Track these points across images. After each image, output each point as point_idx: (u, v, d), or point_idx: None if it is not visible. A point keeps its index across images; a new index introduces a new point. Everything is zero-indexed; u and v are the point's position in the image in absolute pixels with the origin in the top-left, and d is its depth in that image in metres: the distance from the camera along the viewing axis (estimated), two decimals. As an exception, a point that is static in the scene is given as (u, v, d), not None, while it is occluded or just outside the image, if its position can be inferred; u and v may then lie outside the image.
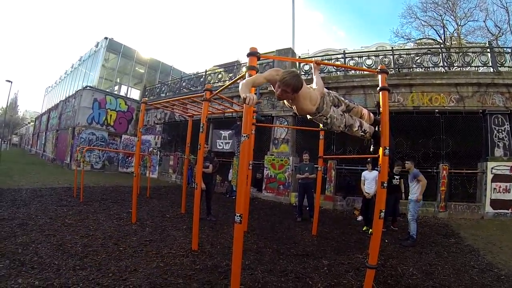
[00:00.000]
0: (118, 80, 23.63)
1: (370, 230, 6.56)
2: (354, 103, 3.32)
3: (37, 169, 15.82)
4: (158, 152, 17.67)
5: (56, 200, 7.73)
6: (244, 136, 2.77)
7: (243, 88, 2.49)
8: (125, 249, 4.43)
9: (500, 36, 20.11)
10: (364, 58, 11.59)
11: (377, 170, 7.16)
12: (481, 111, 9.54)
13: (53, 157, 21.83)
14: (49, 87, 36.42)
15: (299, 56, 13.42)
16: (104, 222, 5.96)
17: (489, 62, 10.18)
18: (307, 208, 7.96)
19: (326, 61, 12.31)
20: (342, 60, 11.66)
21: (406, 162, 6.29)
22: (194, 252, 4.55)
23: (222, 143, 13.81)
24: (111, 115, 18.83)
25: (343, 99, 3.18)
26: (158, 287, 3.30)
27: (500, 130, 9.30)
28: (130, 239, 4.95)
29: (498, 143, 9.25)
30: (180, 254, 4.40)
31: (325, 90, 3.03)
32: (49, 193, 8.51)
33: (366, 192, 7.09)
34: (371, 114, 3.41)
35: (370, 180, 7.10)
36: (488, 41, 14.94)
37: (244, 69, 3.00)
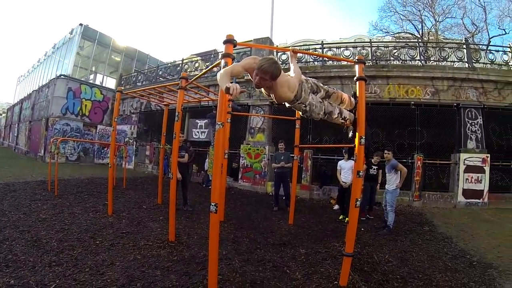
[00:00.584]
0: (93, 69, 22.85)
1: (347, 219, 6.69)
2: (334, 89, 3.31)
3: (9, 162, 15.21)
4: (134, 142, 17.30)
5: (30, 194, 7.47)
6: (219, 124, 2.73)
7: (222, 78, 2.44)
8: (101, 243, 4.35)
9: (476, 34, 20.83)
10: (342, 49, 11.64)
11: (353, 159, 7.26)
12: (455, 104, 9.86)
13: (26, 150, 21.03)
14: (22, 76, 34.83)
15: (277, 46, 13.36)
16: (79, 215, 5.80)
17: (464, 58, 10.49)
18: (283, 198, 7.98)
19: (304, 50, 12.32)
20: (320, 50, 11.68)
21: (386, 152, 6.35)
22: (171, 243, 4.51)
23: (198, 132, 13.69)
24: (86, 105, 18.29)
25: (321, 85, 3.16)
26: (135, 280, 3.25)
27: (473, 124, 9.67)
28: (107, 232, 4.86)
29: (471, 135, 9.62)
30: (157, 246, 4.35)
31: (303, 77, 3.00)
32: (22, 188, 8.21)
33: (342, 182, 7.11)
34: (352, 99, 3.39)
35: (346, 170, 7.09)
36: (465, 38, 15.38)
37: (220, 56, 2.95)
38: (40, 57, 27.86)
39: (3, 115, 41.46)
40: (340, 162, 7.35)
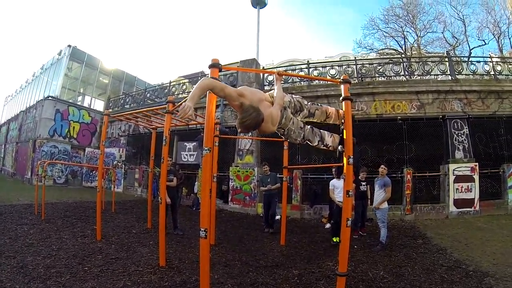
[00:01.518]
0: (81, 91, 22.75)
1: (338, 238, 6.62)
2: (318, 105, 3.32)
3: (-5, 185, 14.85)
4: (123, 165, 17.06)
5: (16, 218, 7.32)
6: (206, 150, 2.73)
7: (193, 92, 2.45)
8: (90, 269, 4.24)
9: (457, 46, 21.52)
10: (328, 68, 11.88)
11: (343, 178, 7.22)
12: (441, 116, 10.08)
13: (13, 172, 20.58)
14: (9, 96, 34.35)
15: (263, 67, 13.55)
16: (67, 240, 5.67)
17: (447, 70, 10.83)
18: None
19: (290, 71, 12.55)
20: (306, 70, 11.87)
21: (382, 166, 6.39)
22: (162, 268, 4.42)
23: (187, 155, 13.61)
24: (74, 127, 18.12)
25: (305, 103, 3.20)
26: (125, 307, 3.16)
27: (459, 134, 9.86)
28: (95, 258, 4.75)
29: (458, 146, 9.79)
30: (148, 271, 4.26)
31: (287, 98, 3.03)
32: (8, 211, 8.03)
33: (338, 202, 6.66)
34: (340, 111, 3.38)
35: (340, 189, 6.73)
36: (446, 51, 15.92)
37: (205, 81, 2.96)
38: (28, 77, 27.64)
39: (-10, 136, 40.67)
40: (332, 182, 7.08)
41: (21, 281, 3.66)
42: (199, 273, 2.93)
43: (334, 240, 6.67)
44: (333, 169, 7.29)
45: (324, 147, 3.28)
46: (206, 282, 2.77)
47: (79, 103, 21.25)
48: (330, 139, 3.28)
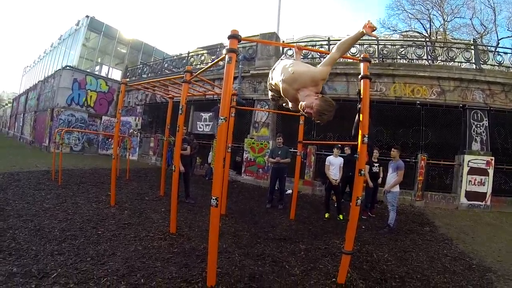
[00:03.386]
0: (99, 60, 22.91)
1: (341, 216, 6.65)
2: None
3: (14, 152, 15.34)
4: (139, 134, 17.38)
5: (34, 184, 7.51)
6: (222, 119, 2.74)
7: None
8: (103, 233, 4.39)
9: (485, 35, 20.56)
10: (349, 46, 11.51)
11: (342, 156, 7.14)
12: (461, 105, 9.78)
13: (31, 140, 21.18)
14: (28, 66, 34.99)
15: (283, 41, 13.29)
16: (82, 205, 5.85)
17: (472, 58, 10.36)
18: (280, 194, 7.70)
19: (310, 47, 12.30)
20: (327, 46, 11.61)
21: (393, 149, 6.29)
22: (172, 235, 4.55)
23: (202, 125, 13.69)
24: (91, 96, 18.35)
25: None
26: (136, 270, 3.28)
27: (478, 125, 9.59)
28: (109, 223, 4.90)
29: (476, 137, 9.56)
30: (158, 237, 4.39)
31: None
32: (26, 177, 8.24)
33: (332, 179, 6.82)
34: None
35: (335, 166, 6.86)
36: (473, 39, 15.20)
37: (224, 51, 2.94)
38: (46, 48, 27.99)
39: (9, 105, 41.73)
40: (329, 158, 7.02)
41: (37, 242, 3.81)
42: (208, 242, 3.01)
43: (326, 216, 6.77)
44: (334, 148, 7.17)
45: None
46: (214, 249, 2.85)
47: (96, 73, 21.44)
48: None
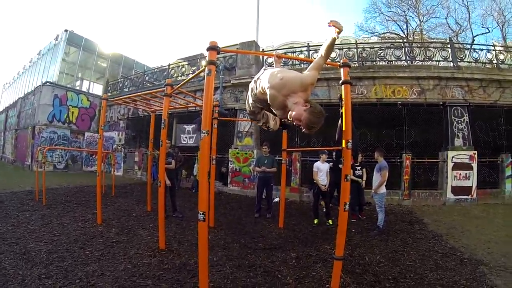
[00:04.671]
0: (79, 75, 22.53)
1: (330, 221, 6.67)
2: None
3: (-5, 172, 14.90)
4: (123, 149, 17.14)
5: (18, 205, 7.34)
6: (204, 132, 2.71)
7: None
8: (91, 253, 4.30)
9: (460, 33, 21.26)
10: (328, 50, 11.65)
11: (328, 162, 7.21)
12: (441, 103, 10.02)
13: (13, 159, 20.62)
14: (7, 83, 34.12)
15: (263, 49, 13.36)
16: (68, 225, 5.72)
17: (449, 57, 10.67)
18: (268, 203, 7.62)
19: (290, 54, 12.38)
20: (306, 52, 11.74)
21: (375, 152, 6.43)
22: (162, 251, 4.48)
23: (186, 137, 13.57)
24: (73, 112, 18.06)
25: None
26: (126, 290, 3.21)
27: (459, 121, 9.83)
28: (96, 242, 4.80)
29: (458, 133, 9.79)
30: (148, 254, 4.31)
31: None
32: (9, 198, 8.05)
33: (322, 185, 6.80)
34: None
35: (323, 172, 6.90)
36: (449, 37, 15.64)
37: (203, 63, 2.92)
38: (25, 64, 27.39)
39: (-11, 123, 40.57)
40: (316, 164, 7.01)
41: (24, 267, 3.70)
42: (198, 256, 2.97)
43: (316, 222, 6.77)
44: (320, 153, 7.19)
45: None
46: (205, 264, 2.81)
47: (77, 88, 21.04)
48: (272, 122, 3.01)
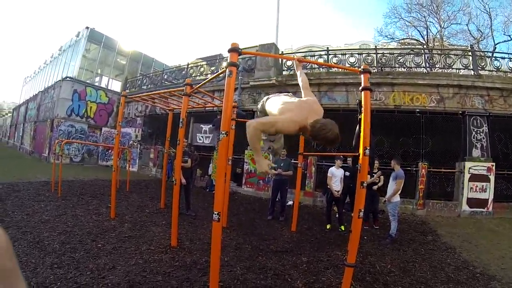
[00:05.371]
0: (99, 71, 22.96)
1: (342, 227, 6.61)
2: None
3: (14, 162, 15.37)
4: (139, 145, 17.40)
5: (34, 195, 7.51)
6: (223, 133, 2.72)
7: (253, 147, 2.38)
8: (103, 246, 4.36)
9: (481, 40, 20.67)
10: (347, 55, 11.63)
11: (344, 168, 7.14)
12: (460, 112, 9.78)
13: (31, 150, 21.17)
14: (28, 77, 35.12)
15: (282, 52, 13.35)
16: (82, 217, 5.82)
17: (470, 65, 10.41)
18: (281, 206, 7.62)
19: (309, 58, 12.30)
20: (326, 56, 11.68)
21: (392, 160, 6.35)
22: (173, 248, 4.52)
23: (202, 137, 13.71)
24: (91, 107, 18.42)
25: None
26: (137, 285, 3.25)
27: (478, 132, 9.57)
28: (109, 236, 4.87)
29: (476, 144, 9.53)
30: (159, 251, 4.36)
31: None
32: (26, 188, 8.24)
33: (335, 190, 6.79)
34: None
35: (337, 177, 6.88)
36: (470, 45, 15.26)
37: (224, 64, 2.94)
38: (46, 59, 28.10)
39: (9, 114, 41.79)
40: (331, 169, 7.01)
41: (36, 255, 3.78)
42: (209, 255, 2.98)
43: (328, 227, 6.75)
44: (335, 159, 7.16)
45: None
46: (216, 263, 2.81)
47: (96, 84, 21.48)
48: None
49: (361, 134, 3.20)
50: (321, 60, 11.82)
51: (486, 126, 9.59)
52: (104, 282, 3.23)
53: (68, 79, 18.25)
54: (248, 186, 11.52)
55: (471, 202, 9.17)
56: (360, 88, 3.26)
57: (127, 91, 17.36)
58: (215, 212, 2.66)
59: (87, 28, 20.38)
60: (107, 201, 7.16)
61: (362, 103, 3.24)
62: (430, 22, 21.70)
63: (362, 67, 3.41)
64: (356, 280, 3.72)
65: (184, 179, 6.49)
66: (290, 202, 8.25)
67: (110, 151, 18.22)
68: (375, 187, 7.16)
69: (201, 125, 13.77)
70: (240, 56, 2.95)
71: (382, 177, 7.25)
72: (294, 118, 2.30)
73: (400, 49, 16.78)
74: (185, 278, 3.50)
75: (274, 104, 2.55)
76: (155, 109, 15.94)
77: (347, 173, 7.08)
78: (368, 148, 3.12)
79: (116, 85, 22.87)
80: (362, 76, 3.29)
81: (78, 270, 3.47)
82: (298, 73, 3.10)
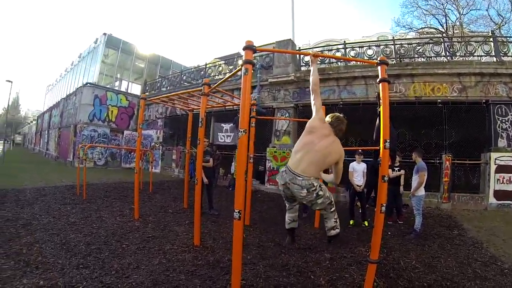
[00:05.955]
0: (118, 76, 23.59)
1: (366, 222, 6.51)
2: None
3: (40, 168, 15.85)
4: (161, 147, 17.70)
5: (60, 198, 7.73)
6: (242, 131, 2.74)
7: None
8: (128, 246, 4.45)
9: (503, 25, 19.85)
10: (365, 48, 11.41)
11: (366, 161, 7.01)
12: (484, 101, 9.42)
13: (56, 155, 21.91)
14: (50, 85, 36.46)
15: (299, 48, 13.23)
16: (107, 219, 5.97)
17: (492, 51, 10.00)
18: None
19: (326, 52, 12.15)
20: (343, 50, 11.50)
21: (413, 153, 6.17)
22: (196, 247, 4.55)
23: (223, 136, 13.75)
24: (112, 111, 18.86)
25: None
26: (160, 284, 3.30)
27: (503, 121, 9.19)
28: (133, 236, 4.97)
29: (502, 133, 9.16)
30: (182, 250, 4.41)
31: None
32: (52, 192, 8.50)
33: (356, 185, 6.76)
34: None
35: (359, 172, 6.81)
36: (491, 30, 14.70)
37: (240, 62, 2.96)
38: (67, 66, 29.05)
39: (34, 122, 43.39)
40: (352, 164, 6.96)
41: (63, 256, 3.90)
42: (232, 253, 3.01)
43: (350, 223, 6.65)
44: (359, 151, 7.06)
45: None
46: (238, 262, 2.83)
47: (116, 88, 22.04)
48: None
49: (381, 126, 3.13)
50: (338, 54, 11.66)
51: (511, 115, 9.20)
52: (128, 282, 3.29)
53: (88, 85, 18.77)
54: (270, 183, 11.47)
55: (498, 194, 8.82)
56: (378, 80, 3.20)
57: (147, 93, 17.67)
58: (236, 210, 2.68)
59: (105, 34, 20.94)
60: (130, 203, 7.31)
61: (381, 95, 3.18)
62: (449, 9, 21.09)
63: (379, 58, 3.34)
64: (379, 277, 3.65)
65: (206, 178, 6.54)
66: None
67: (132, 153, 18.59)
68: (402, 182, 7.03)
69: (222, 124, 13.83)
70: (258, 54, 2.97)
71: (403, 176, 7.09)
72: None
73: (418, 38, 16.37)
74: (208, 277, 3.52)
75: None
76: (175, 111, 16.16)
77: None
78: (388, 140, 3.05)
79: (135, 89, 23.42)
80: (379, 67, 3.23)
81: (103, 270, 3.56)
82: (311, 69, 3.08)
